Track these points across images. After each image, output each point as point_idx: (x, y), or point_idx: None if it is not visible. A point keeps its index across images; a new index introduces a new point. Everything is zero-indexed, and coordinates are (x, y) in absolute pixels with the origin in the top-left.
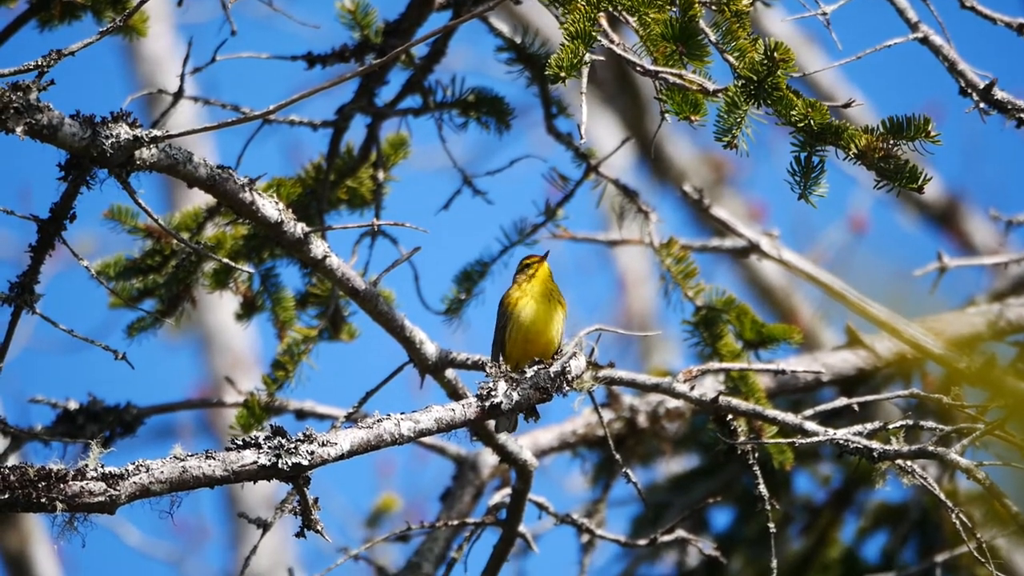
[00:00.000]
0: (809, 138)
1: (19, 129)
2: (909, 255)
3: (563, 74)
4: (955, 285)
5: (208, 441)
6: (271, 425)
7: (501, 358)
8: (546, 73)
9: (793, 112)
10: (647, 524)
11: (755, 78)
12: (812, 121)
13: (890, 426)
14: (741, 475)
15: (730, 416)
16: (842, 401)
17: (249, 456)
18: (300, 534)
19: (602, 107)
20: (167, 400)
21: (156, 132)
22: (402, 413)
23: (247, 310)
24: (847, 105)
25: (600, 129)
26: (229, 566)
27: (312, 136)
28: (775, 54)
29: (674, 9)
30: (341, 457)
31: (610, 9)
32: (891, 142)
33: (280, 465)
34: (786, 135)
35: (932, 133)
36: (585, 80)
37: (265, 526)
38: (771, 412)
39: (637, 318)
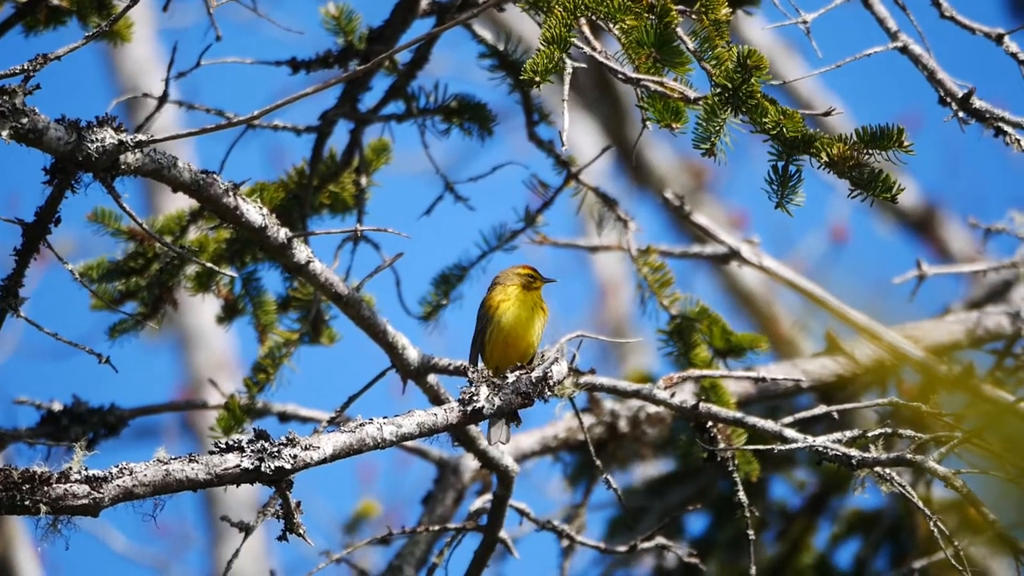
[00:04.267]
0: (783, 146)
1: (5, 133)
2: (887, 263)
3: (538, 79)
4: (933, 293)
5: (188, 442)
6: (254, 429)
7: (480, 361)
8: (521, 78)
9: (766, 120)
10: (624, 527)
11: (730, 86)
12: (785, 129)
13: (869, 434)
14: (716, 480)
15: (710, 423)
16: (822, 409)
17: (232, 460)
18: (283, 537)
19: (582, 113)
20: (148, 401)
21: (141, 136)
22: (384, 417)
23: (228, 313)
24: (827, 113)
25: (580, 134)
26: (209, 570)
27: (294, 141)
28: (748, 61)
29: (653, 17)
30: (324, 461)
31: (589, 15)
32: (864, 152)
33: (263, 469)
34: (765, 143)
35: (906, 143)
36: (567, 87)
37: (247, 529)
38: (751, 419)
39: (614, 322)
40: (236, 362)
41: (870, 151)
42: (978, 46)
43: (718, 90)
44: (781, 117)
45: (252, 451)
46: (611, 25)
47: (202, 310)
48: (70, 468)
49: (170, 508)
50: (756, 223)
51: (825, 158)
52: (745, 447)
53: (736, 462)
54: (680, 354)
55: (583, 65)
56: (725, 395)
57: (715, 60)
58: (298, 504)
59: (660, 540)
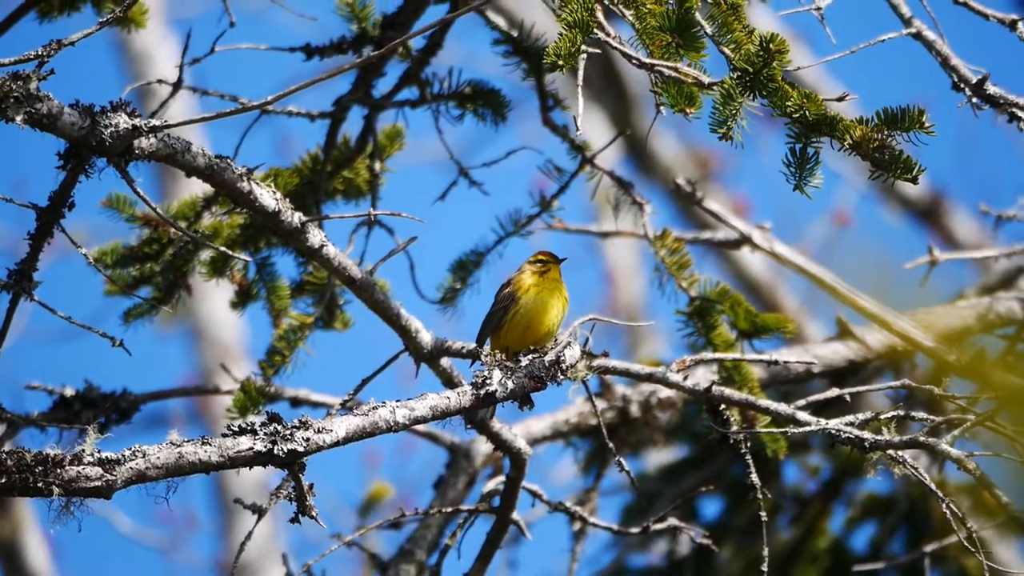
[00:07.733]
0: (804, 129)
1: (19, 118)
2: (894, 250)
3: (561, 63)
4: (942, 280)
5: (199, 430)
6: (267, 412)
7: (488, 344)
8: (544, 62)
9: (788, 103)
10: (638, 513)
11: (751, 70)
12: (807, 112)
13: (881, 416)
14: (730, 465)
15: (723, 406)
16: (834, 391)
17: (245, 442)
18: (295, 520)
19: (589, 103)
20: (160, 388)
21: (155, 121)
22: (397, 401)
23: (242, 298)
24: (840, 99)
25: (589, 125)
26: (219, 554)
27: (303, 129)
28: (771, 45)
29: (671, 1)
30: (336, 444)
31: (607, 1)
32: (886, 133)
33: (276, 451)
34: (773, 130)
35: (926, 124)
36: (582, 72)
37: (260, 512)
38: (764, 402)
39: (625, 310)
40: (248, 352)
41: (891, 132)
42: (992, 33)
43: (737, 74)
44: (804, 100)
45: (265, 434)
46: (626, 10)
47: (215, 300)
48: (83, 451)
49: (177, 492)
50: (760, 211)
51: (849, 140)
52: (757, 430)
53: (749, 444)
54: (700, 335)
55: (598, 50)
56: (749, 374)
57: (734, 44)
58: (311, 487)
59: (673, 522)
